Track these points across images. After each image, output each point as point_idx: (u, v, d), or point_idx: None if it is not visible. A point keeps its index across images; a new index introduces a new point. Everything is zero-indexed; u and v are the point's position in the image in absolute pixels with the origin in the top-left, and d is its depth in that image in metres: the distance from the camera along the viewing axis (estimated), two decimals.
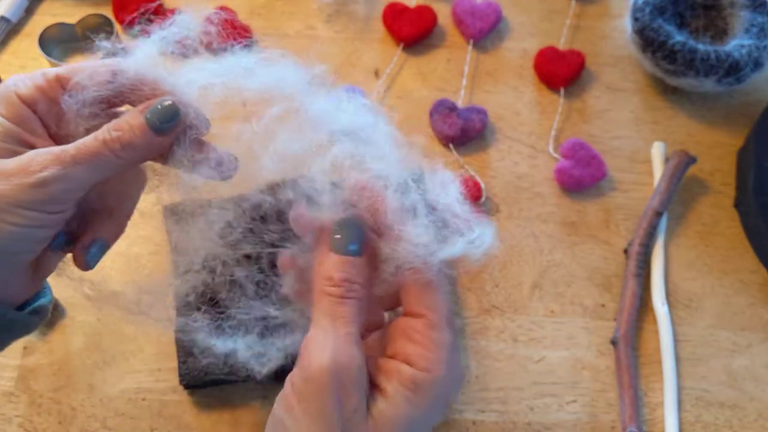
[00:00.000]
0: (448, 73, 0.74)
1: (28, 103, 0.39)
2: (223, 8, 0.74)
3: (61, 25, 0.72)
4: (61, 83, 0.40)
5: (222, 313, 0.50)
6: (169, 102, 0.39)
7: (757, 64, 0.67)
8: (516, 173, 0.68)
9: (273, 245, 0.46)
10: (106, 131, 0.38)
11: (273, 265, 0.49)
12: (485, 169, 0.68)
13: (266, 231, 0.46)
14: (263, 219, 0.47)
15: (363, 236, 0.38)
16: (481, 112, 0.70)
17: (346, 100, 0.42)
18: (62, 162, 0.37)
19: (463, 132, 0.69)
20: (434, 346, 0.36)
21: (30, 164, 0.37)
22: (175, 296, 0.53)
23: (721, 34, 0.73)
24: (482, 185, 0.66)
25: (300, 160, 0.40)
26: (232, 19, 0.74)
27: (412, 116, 0.71)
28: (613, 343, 0.60)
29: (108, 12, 0.74)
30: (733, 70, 0.67)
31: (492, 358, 0.60)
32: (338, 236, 0.38)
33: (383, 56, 0.74)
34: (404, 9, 0.75)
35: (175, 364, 0.55)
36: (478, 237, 0.39)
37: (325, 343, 0.35)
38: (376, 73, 0.73)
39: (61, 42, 0.73)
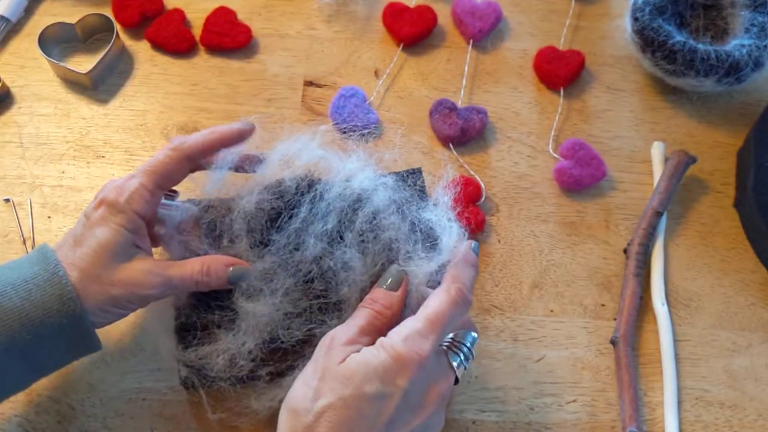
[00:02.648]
0: (448, 73, 0.74)
1: (140, 215, 0.50)
2: (222, 8, 0.75)
3: (61, 25, 0.72)
4: (159, 185, 0.51)
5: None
6: (245, 269, 0.51)
7: (757, 64, 0.67)
8: (516, 173, 0.68)
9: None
10: (200, 273, 0.50)
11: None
12: (485, 169, 0.68)
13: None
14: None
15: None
16: (481, 112, 0.70)
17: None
18: (166, 285, 0.50)
19: (462, 132, 0.69)
20: (403, 325, 0.44)
21: (145, 281, 0.49)
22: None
23: (721, 34, 0.73)
24: (482, 185, 0.66)
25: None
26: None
27: (412, 116, 0.71)
28: (613, 342, 0.60)
29: (108, 12, 0.74)
30: (733, 70, 0.67)
31: (492, 358, 0.60)
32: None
33: (383, 56, 0.74)
34: (404, 9, 0.75)
35: (175, 364, 0.55)
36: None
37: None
38: (376, 73, 0.73)
39: (61, 42, 0.73)
